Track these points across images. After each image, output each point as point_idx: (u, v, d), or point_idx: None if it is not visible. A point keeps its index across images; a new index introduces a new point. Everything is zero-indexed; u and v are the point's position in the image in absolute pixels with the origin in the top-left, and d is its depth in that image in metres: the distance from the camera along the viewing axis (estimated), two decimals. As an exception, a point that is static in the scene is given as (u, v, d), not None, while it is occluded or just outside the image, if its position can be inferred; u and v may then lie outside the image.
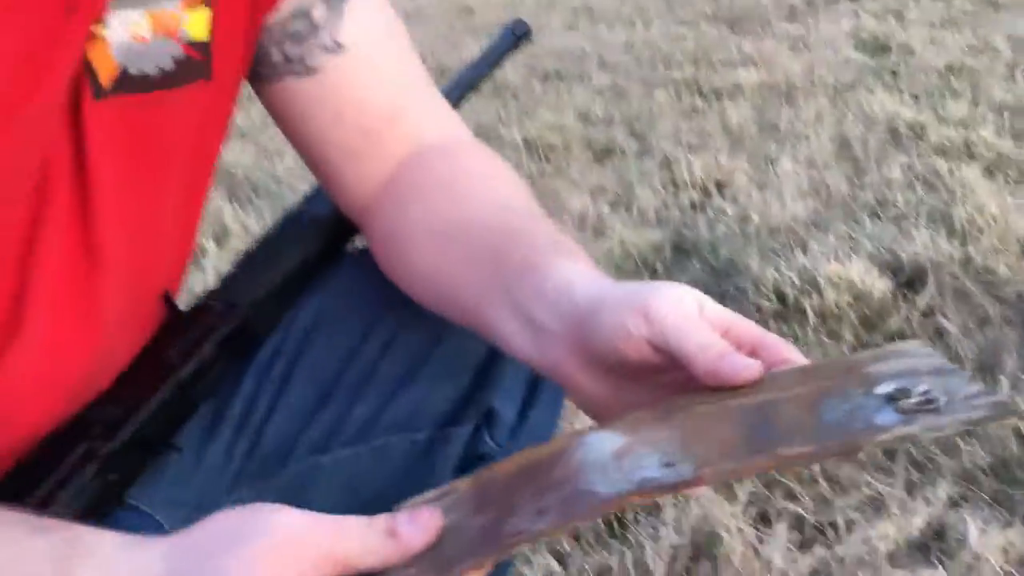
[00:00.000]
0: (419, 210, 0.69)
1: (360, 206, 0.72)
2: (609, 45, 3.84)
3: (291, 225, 0.78)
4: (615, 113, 2.88)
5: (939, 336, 1.54)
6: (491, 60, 0.94)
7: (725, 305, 0.52)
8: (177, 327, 0.70)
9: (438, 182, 0.70)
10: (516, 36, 0.95)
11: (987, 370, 1.45)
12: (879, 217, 1.99)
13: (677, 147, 2.50)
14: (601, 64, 3.54)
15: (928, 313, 1.60)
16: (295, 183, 2.40)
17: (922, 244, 1.79)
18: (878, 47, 3.50)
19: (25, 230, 0.58)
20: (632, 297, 0.52)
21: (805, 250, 1.79)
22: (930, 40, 3.51)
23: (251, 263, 0.76)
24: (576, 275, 0.57)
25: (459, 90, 0.88)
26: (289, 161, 2.62)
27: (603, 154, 2.56)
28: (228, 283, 0.75)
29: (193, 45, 0.63)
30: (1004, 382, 1.40)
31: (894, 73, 3.15)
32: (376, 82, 0.70)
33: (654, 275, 1.81)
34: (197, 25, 0.63)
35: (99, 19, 0.57)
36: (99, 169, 0.60)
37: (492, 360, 0.73)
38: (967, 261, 1.75)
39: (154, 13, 0.61)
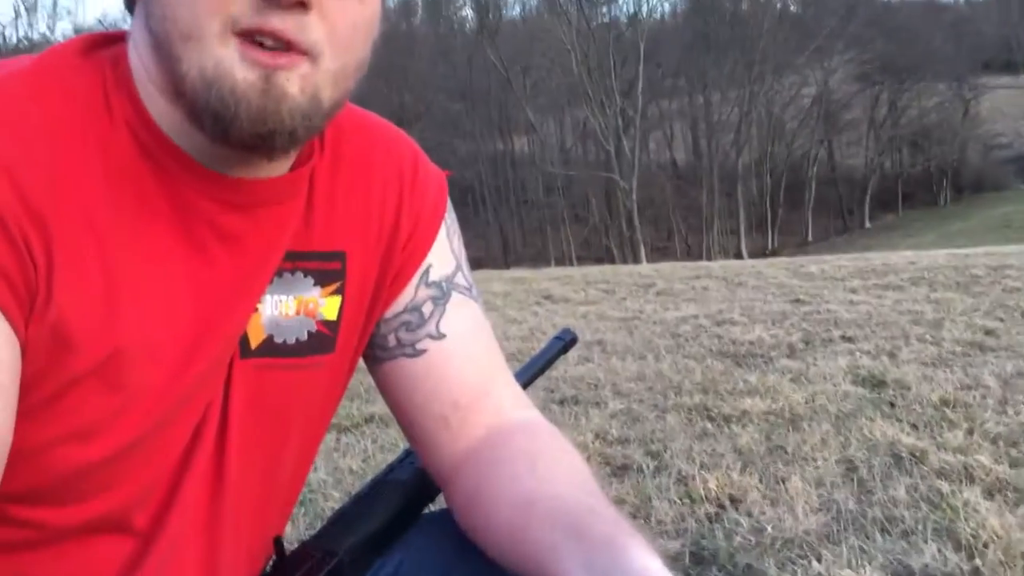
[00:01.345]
0: (502, 477, 0.78)
1: (447, 467, 0.82)
2: (622, 375, 4.00)
3: (379, 487, 0.90)
4: (630, 434, 2.96)
5: (956, 643, 1.58)
6: (543, 362, 1.11)
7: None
8: (283, 568, 0.81)
9: (519, 454, 0.80)
10: (564, 342, 1.14)
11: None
12: (888, 532, 2.04)
13: (691, 465, 2.56)
14: (615, 391, 3.68)
15: (943, 620, 1.65)
16: (328, 491, 2.52)
17: (931, 556, 1.84)
18: (875, 382, 3.63)
19: (182, 457, 0.70)
20: None
21: (820, 559, 1.85)
22: (923, 377, 3.68)
23: (345, 517, 0.87)
24: (655, 566, 0.65)
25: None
26: (322, 474, 2.75)
27: (620, 470, 2.62)
28: (325, 533, 0.86)
29: (325, 323, 0.76)
30: None
31: (892, 404, 3.27)
32: (468, 365, 0.82)
33: (676, 584, 1.85)
34: (330, 308, 0.77)
35: (259, 300, 0.73)
36: (234, 415, 0.72)
37: None
38: (975, 574, 1.81)
39: (300, 298, 0.75)
